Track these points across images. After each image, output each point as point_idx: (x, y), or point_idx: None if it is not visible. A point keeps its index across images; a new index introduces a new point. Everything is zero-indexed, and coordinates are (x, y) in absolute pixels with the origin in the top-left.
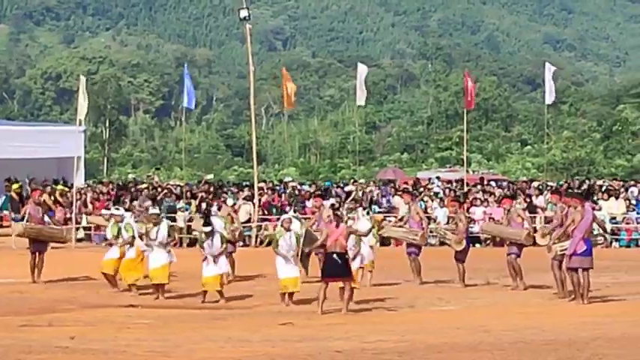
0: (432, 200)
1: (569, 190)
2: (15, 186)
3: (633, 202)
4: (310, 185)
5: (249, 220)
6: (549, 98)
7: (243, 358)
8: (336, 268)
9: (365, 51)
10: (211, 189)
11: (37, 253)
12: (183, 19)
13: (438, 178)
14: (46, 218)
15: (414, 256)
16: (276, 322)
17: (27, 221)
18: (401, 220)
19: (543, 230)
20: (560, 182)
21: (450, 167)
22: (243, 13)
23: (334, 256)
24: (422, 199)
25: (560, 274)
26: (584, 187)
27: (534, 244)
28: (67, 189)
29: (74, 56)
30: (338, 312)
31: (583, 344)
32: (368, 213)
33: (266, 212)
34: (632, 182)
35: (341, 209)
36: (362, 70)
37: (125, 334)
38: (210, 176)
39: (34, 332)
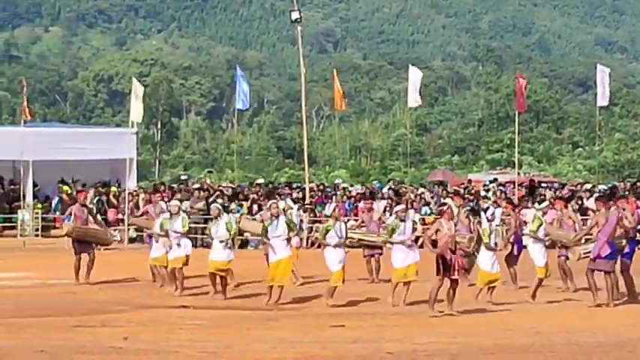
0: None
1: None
2: (65, 188)
3: None
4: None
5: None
6: (603, 100)
7: (294, 359)
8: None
9: (416, 53)
10: (264, 191)
11: (84, 254)
12: (235, 21)
13: (495, 179)
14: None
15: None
16: (327, 323)
17: (72, 221)
18: None
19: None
20: (612, 183)
21: (501, 169)
22: (295, 15)
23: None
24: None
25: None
26: (634, 187)
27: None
28: (115, 190)
29: (126, 58)
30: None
31: (634, 346)
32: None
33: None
34: None
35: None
36: (414, 72)
37: (177, 335)
38: (260, 180)
39: (87, 333)
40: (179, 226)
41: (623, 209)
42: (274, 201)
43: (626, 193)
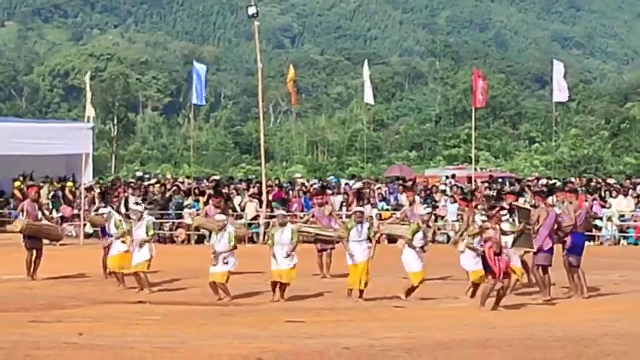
0: (441, 198)
1: (534, 189)
2: (16, 184)
3: None
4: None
5: (256, 218)
6: (561, 96)
7: (250, 354)
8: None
9: (373, 48)
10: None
11: (33, 250)
12: (191, 16)
13: (453, 176)
14: (40, 215)
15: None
16: (284, 318)
17: (24, 218)
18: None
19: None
20: (571, 179)
21: (458, 165)
22: (252, 10)
23: None
24: (429, 197)
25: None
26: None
27: None
28: (71, 185)
29: (82, 53)
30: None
31: (591, 341)
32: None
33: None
34: None
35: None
36: (367, 69)
37: (133, 330)
38: (216, 176)
39: (43, 328)
40: (143, 233)
41: (570, 202)
42: (359, 209)
43: (581, 188)
